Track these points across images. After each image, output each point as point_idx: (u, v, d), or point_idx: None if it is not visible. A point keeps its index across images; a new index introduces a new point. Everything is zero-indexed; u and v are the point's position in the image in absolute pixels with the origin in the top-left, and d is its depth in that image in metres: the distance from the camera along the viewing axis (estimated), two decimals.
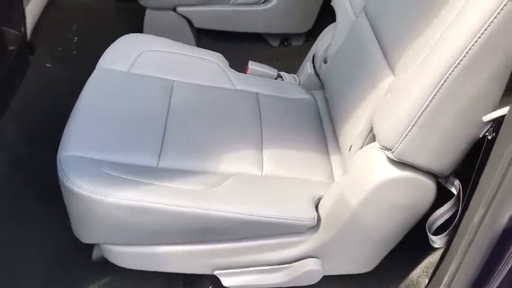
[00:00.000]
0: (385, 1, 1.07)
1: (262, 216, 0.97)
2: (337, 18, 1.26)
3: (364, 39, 1.11)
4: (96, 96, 1.13)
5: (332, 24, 1.33)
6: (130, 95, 1.15)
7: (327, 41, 1.30)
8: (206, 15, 1.91)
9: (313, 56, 1.35)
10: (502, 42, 0.74)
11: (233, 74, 1.31)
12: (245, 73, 1.36)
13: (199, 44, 1.93)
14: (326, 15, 2.04)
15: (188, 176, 1.00)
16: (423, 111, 0.81)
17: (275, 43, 2.10)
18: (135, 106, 1.12)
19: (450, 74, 0.77)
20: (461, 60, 0.75)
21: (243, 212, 0.95)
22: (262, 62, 2.01)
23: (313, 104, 1.30)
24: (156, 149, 1.04)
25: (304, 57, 2.14)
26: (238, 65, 1.40)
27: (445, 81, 0.78)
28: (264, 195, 1.01)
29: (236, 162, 1.07)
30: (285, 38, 2.09)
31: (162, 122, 1.10)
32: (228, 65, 1.33)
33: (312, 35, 2.07)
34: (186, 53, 1.31)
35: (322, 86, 1.33)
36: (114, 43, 1.29)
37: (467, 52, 0.75)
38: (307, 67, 1.36)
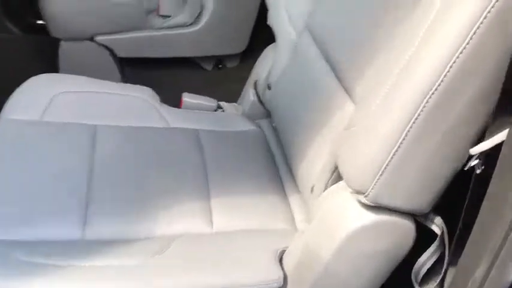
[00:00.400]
0: (332, 18, 0.94)
1: None
2: (277, 38, 1.12)
3: (312, 62, 0.98)
4: None
5: (271, 45, 1.20)
6: (44, 150, 0.96)
7: (268, 64, 1.16)
8: (129, 43, 1.72)
9: (255, 82, 1.20)
10: (487, 56, 0.62)
11: (166, 110, 1.14)
12: (180, 107, 1.19)
13: (125, 75, 1.74)
14: (261, 34, 1.93)
15: (122, 247, 0.81)
16: (396, 150, 0.67)
17: (208, 66, 1.94)
18: (50, 163, 0.93)
19: (425, 106, 0.64)
20: (438, 86, 0.62)
21: (194, 286, 0.78)
22: (196, 88, 1.85)
23: (262, 136, 1.15)
24: (79, 215, 0.85)
25: (241, 79, 2.00)
26: (171, 97, 1.24)
27: (419, 114, 0.64)
28: (217, 259, 0.83)
29: (180, 220, 0.90)
30: (218, 60, 1.94)
31: (85, 180, 0.91)
32: (159, 100, 1.16)
33: (247, 55, 1.94)
34: (109, 91, 1.13)
35: (268, 114, 1.19)
36: (20, 87, 1.09)
37: (445, 76, 0.62)
38: (249, 95, 1.21)
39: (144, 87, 1.17)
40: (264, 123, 1.19)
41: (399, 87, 0.67)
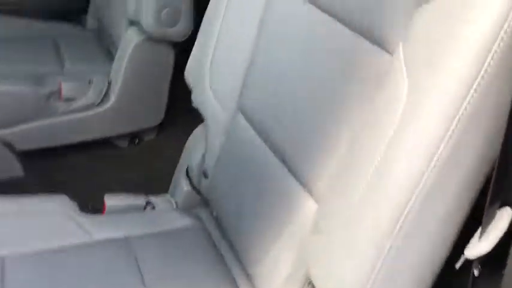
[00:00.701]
0: (269, 97, 0.84)
1: None
2: (206, 120, 1.00)
3: (252, 149, 0.87)
4: None
5: (200, 127, 1.07)
6: None
7: (199, 149, 1.03)
8: (30, 134, 1.52)
9: (187, 170, 1.06)
10: (476, 136, 0.53)
11: (87, 219, 0.96)
12: (103, 212, 1.02)
13: (27, 172, 1.52)
14: (179, 101, 1.80)
15: None
16: (381, 265, 0.57)
17: (123, 144, 1.77)
18: None
19: (412, 206, 0.54)
20: (426, 179, 0.53)
21: None
22: (112, 171, 1.69)
23: (203, 231, 1.00)
24: None
25: (162, 153, 1.85)
26: (90, 194, 1.06)
27: (406, 216, 0.55)
28: None
29: None
30: (134, 136, 1.78)
31: None
32: (77, 208, 0.99)
33: (164, 125, 1.80)
34: (13, 208, 0.94)
35: (206, 202, 1.05)
36: None
37: (434, 166, 0.53)
38: (181, 184, 1.07)
39: (58, 196, 0.99)
40: (203, 213, 1.05)
41: (378, 185, 0.56)
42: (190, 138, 1.09)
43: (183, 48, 1.59)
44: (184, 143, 1.85)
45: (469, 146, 0.52)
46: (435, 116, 0.51)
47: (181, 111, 1.86)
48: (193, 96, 1.03)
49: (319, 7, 0.74)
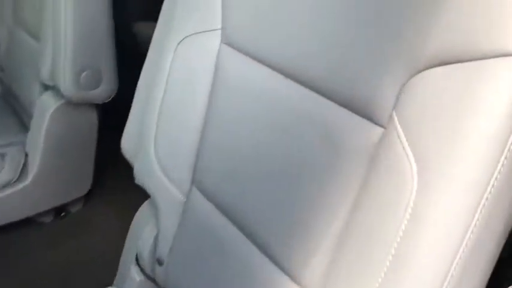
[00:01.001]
0: (229, 170, 0.75)
1: None
2: (155, 198, 0.88)
3: (213, 228, 0.77)
4: None
5: (146, 205, 0.95)
6: None
7: (149, 231, 0.91)
8: None
9: (136, 257, 0.94)
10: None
11: None
12: None
13: None
14: (107, 167, 1.66)
15: None
16: None
17: (48, 219, 1.59)
18: None
19: None
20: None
21: None
22: (36, 253, 1.53)
23: None
24: None
25: (91, 225, 1.69)
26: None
27: None
28: None
29: None
30: (58, 209, 1.60)
31: None
32: None
33: (92, 194, 1.65)
34: None
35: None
36: None
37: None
38: (131, 274, 0.93)
39: None
40: None
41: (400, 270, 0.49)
42: (136, 218, 0.96)
43: (108, 108, 1.47)
44: (116, 210, 1.70)
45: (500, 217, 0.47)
46: (458, 198, 0.45)
47: (110, 175, 1.72)
48: (135, 172, 0.91)
49: (280, 71, 0.67)
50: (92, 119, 1.48)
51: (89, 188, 1.57)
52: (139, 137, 0.90)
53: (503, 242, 0.48)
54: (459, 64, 0.45)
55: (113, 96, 1.43)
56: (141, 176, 0.90)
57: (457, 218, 0.45)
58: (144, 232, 0.92)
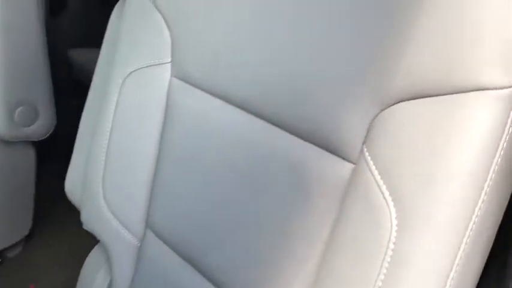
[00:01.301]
0: (186, 210, 0.71)
1: None
2: (106, 244, 0.82)
3: (172, 272, 0.72)
4: None
5: (96, 251, 0.89)
6: None
7: (100, 279, 0.84)
8: None
9: None
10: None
11: None
12: None
13: None
14: (48, 207, 1.56)
15: None
16: None
17: None
18: None
19: None
20: None
21: None
22: None
23: None
24: None
25: (31, 269, 1.59)
26: None
27: None
28: None
29: None
30: None
31: None
32: None
33: (32, 237, 1.54)
34: None
35: None
36: None
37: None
38: None
39: None
40: None
41: None
42: (87, 264, 0.89)
43: (46, 143, 1.39)
44: (56, 252, 1.59)
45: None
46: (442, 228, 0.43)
47: (50, 216, 1.62)
48: (83, 218, 0.84)
49: (239, 105, 0.64)
50: (29, 156, 1.38)
51: (28, 231, 1.46)
52: (85, 178, 0.84)
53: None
54: (430, 98, 0.44)
55: (51, 132, 1.34)
56: (89, 222, 0.84)
57: (439, 257, 0.43)
58: (94, 281, 0.85)
